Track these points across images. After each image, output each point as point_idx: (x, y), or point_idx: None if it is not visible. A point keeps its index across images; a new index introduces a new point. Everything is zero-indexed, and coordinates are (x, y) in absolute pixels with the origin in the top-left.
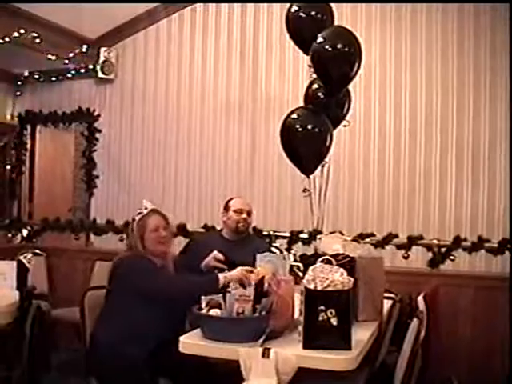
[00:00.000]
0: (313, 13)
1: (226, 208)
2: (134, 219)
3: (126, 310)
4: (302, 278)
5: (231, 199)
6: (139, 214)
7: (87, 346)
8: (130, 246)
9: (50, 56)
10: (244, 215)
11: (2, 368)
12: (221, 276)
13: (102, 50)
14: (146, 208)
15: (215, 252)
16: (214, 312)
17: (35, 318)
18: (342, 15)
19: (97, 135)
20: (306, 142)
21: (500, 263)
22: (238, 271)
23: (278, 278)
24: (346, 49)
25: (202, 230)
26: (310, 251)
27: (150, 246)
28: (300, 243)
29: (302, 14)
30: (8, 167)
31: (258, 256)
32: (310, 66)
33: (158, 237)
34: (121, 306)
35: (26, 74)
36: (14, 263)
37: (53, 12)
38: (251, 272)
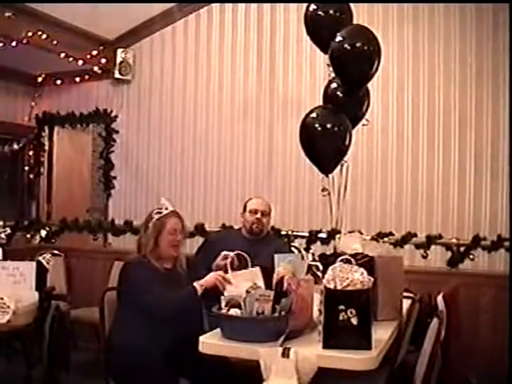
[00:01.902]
0: (331, 11)
1: (244, 209)
2: (151, 217)
3: (131, 308)
4: (322, 277)
5: (249, 200)
6: (158, 213)
7: (104, 345)
8: (140, 244)
9: (67, 57)
10: (258, 215)
11: (22, 367)
12: (197, 286)
13: (119, 51)
14: (166, 208)
15: (224, 252)
16: (234, 312)
17: (54, 318)
18: (359, 14)
19: (114, 136)
20: (325, 141)
21: None
22: (211, 276)
23: (298, 278)
24: (365, 47)
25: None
26: (328, 251)
27: (163, 248)
28: (319, 243)
29: (320, 12)
30: (26, 168)
31: (277, 256)
32: (328, 64)
33: (174, 240)
34: (127, 306)
35: (44, 75)
36: (34, 264)
37: (70, 14)
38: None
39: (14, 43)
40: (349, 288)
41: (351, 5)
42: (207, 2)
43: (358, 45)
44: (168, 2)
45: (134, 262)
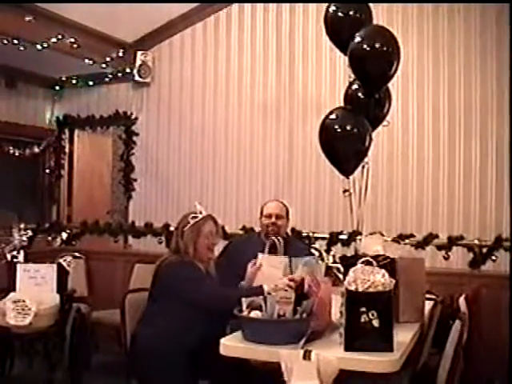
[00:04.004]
0: (351, 12)
1: (261, 213)
2: (187, 222)
3: (168, 312)
4: (343, 279)
5: (265, 203)
6: (194, 217)
7: (128, 347)
8: (177, 249)
9: (87, 60)
10: (273, 219)
11: (44, 369)
12: (266, 288)
13: (139, 53)
14: (200, 212)
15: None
16: (255, 314)
17: (75, 320)
18: (379, 14)
19: (134, 138)
20: (345, 143)
21: None
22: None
23: (318, 280)
24: (384, 48)
25: (241, 232)
26: (349, 252)
27: (201, 251)
28: (339, 244)
29: (340, 13)
30: (47, 171)
31: (294, 259)
32: (349, 66)
33: (211, 243)
34: (163, 309)
35: (64, 78)
36: (55, 266)
37: (90, 17)
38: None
39: (34, 47)
40: (370, 290)
41: (371, 5)
42: (227, 2)
43: (376, 45)
44: (190, 2)
45: (179, 261)
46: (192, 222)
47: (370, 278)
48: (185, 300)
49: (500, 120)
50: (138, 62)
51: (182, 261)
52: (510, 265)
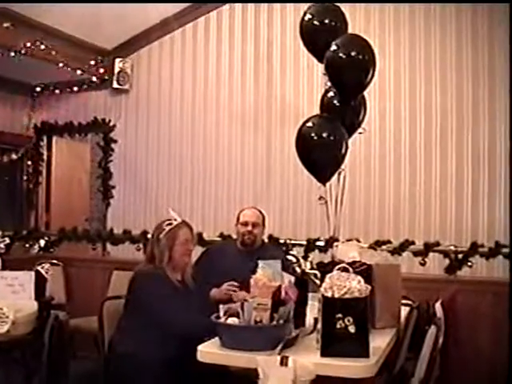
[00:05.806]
0: (326, 21)
1: (237, 220)
2: (162, 229)
3: (144, 320)
4: (320, 285)
5: (242, 211)
6: (168, 224)
7: (106, 354)
8: (152, 256)
9: (65, 67)
10: (249, 227)
11: (21, 377)
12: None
13: (117, 60)
14: (175, 219)
15: (230, 283)
16: (232, 321)
17: (53, 327)
18: (355, 22)
19: (112, 145)
20: (321, 150)
21: None
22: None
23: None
24: (360, 56)
25: (219, 239)
26: (326, 259)
27: (177, 258)
28: (317, 251)
29: (315, 22)
30: (25, 178)
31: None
32: (324, 74)
33: (187, 250)
34: (139, 316)
35: (42, 85)
36: (32, 273)
37: (68, 24)
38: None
39: (12, 53)
40: (346, 296)
41: (347, 12)
42: (205, 2)
43: (352, 54)
44: (170, 2)
45: (151, 273)
46: (167, 228)
47: (346, 285)
48: (150, 315)
49: (476, 128)
50: (117, 69)
51: (154, 273)
52: (510, 272)
